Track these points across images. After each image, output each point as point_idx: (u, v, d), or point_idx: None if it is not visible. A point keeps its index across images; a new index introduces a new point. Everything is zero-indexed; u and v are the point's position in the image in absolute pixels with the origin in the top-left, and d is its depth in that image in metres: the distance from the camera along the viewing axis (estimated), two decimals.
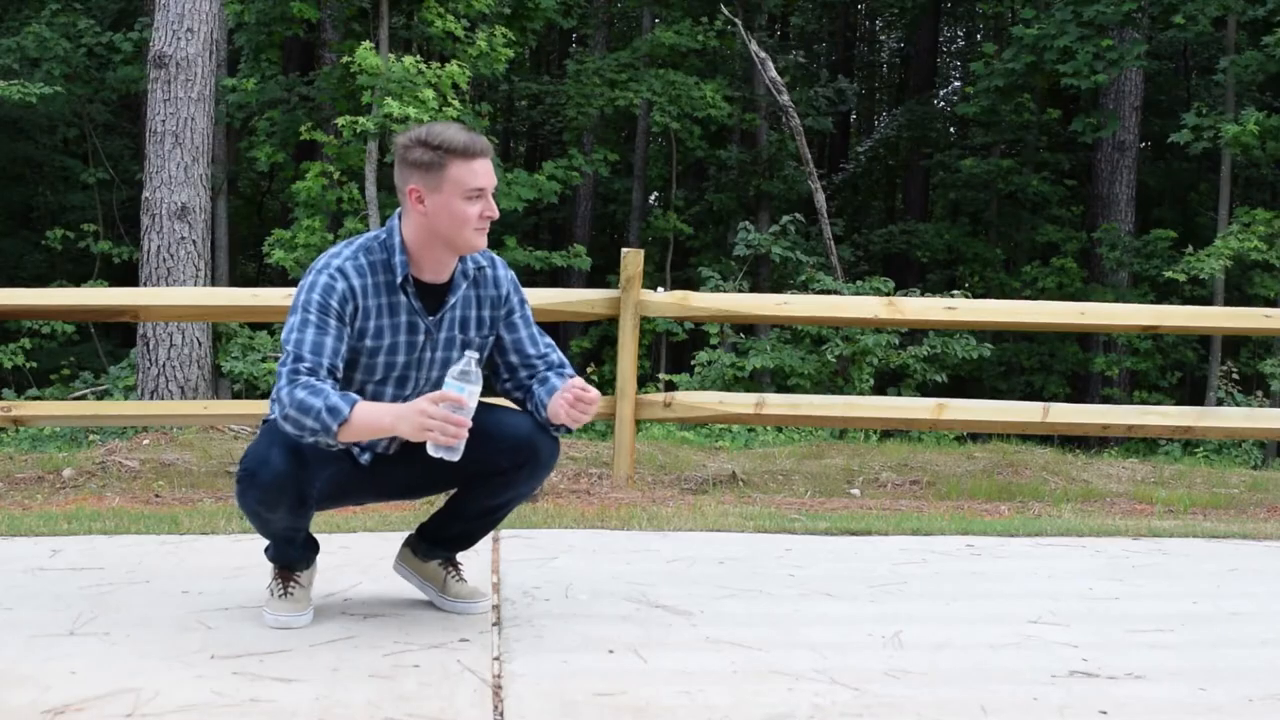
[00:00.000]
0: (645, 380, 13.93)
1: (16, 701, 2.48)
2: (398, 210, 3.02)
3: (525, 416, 3.12)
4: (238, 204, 17.05)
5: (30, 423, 7.41)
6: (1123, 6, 14.78)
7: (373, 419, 2.76)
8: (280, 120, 14.47)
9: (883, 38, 27.85)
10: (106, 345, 15.01)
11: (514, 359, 3.13)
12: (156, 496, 5.62)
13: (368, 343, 2.95)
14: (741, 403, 6.49)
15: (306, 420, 2.75)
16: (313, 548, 3.17)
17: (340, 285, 2.91)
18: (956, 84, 25.39)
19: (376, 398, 2.99)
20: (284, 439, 2.86)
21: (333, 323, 2.88)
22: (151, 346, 9.50)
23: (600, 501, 5.50)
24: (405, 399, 2.98)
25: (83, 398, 11.41)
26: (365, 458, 3.07)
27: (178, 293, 8.34)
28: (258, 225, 18.00)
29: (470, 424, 2.72)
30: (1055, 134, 18.87)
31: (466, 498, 3.21)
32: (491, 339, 3.11)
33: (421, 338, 3.00)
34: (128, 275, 15.18)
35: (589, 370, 13.35)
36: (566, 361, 3.19)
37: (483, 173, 2.93)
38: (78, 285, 14.33)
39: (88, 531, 4.26)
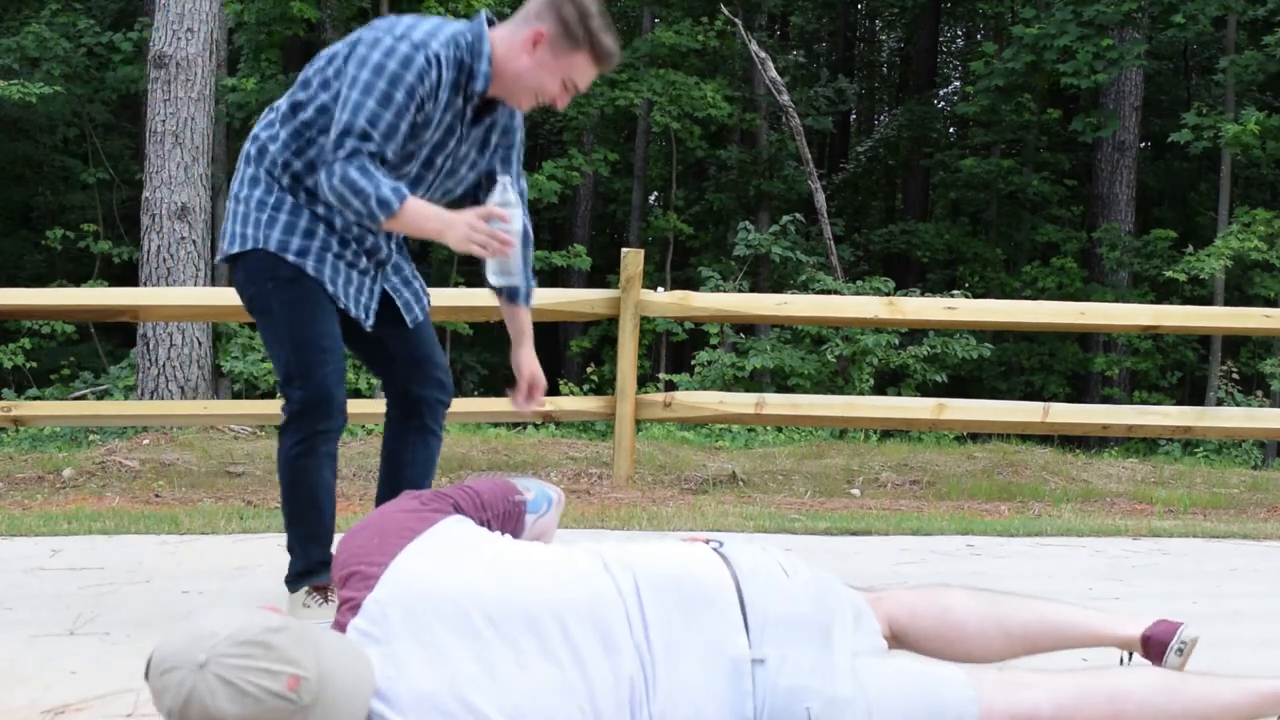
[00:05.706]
0: (645, 380, 13.93)
1: (16, 701, 2.48)
2: (483, 14, 2.83)
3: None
4: None
5: (30, 423, 7.41)
6: (1123, 6, 14.78)
7: (420, 219, 2.70)
8: None
9: (883, 38, 27.83)
10: (106, 345, 14.98)
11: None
12: (156, 496, 5.63)
13: (420, 135, 2.82)
14: (741, 403, 6.49)
15: (354, 201, 2.67)
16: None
17: (434, 75, 2.73)
18: (956, 84, 25.39)
19: None
20: (297, 353, 2.85)
21: (412, 109, 2.72)
22: (151, 346, 9.49)
23: (600, 501, 5.50)
24: None
25: (83, 398, 11.40)
26: (370, 323, 3.02)
27: (178, 293, 8.33)
28: None
29: (515, 243, 2.69)
30: (1055, 134, 18.86)
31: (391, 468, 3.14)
32: (485, 167, 3.02)
33: (452, 143, 2.89)
34: (128, 275, 15.16)
35: (589, 370, 13.35)
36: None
37: (591, 78, 2.84)
38: (78, 285, 14.33)
39: (88, 531, 4.26)
